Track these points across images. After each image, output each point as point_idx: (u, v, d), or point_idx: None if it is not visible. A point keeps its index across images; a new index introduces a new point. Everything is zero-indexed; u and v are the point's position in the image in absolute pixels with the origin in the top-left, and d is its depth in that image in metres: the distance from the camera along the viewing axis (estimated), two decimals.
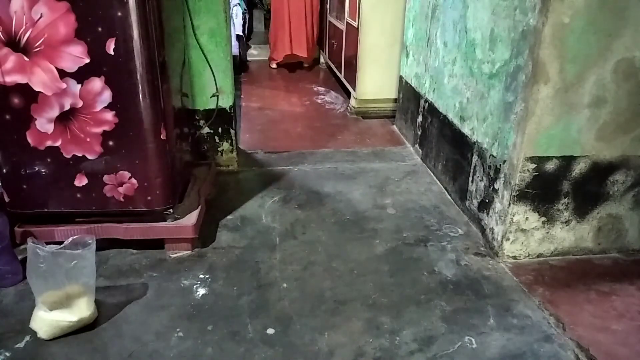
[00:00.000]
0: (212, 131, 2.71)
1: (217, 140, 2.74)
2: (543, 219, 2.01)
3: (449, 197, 2.59)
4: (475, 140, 2.27)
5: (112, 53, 1.69)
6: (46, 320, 1.55)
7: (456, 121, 2.49)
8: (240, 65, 5.00)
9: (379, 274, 1.95)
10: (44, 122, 1.76)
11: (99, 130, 1.79)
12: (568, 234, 2.05)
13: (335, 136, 3.43)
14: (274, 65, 5.27)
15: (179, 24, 2.30)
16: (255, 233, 2.20)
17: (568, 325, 1.70)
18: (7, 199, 1.87)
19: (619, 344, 1.64)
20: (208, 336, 1.61)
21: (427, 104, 2.93)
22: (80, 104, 1.74)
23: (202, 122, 2.66)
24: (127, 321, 1.66)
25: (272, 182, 2.71)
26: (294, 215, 2.36)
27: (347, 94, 4.13)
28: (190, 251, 2.04)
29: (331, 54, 4.85)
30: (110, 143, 1.82)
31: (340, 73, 4.38)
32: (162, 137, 1.89)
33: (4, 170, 1.83)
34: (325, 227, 2.28)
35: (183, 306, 1.74)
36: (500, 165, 2.04)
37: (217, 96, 2.58)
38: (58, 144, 1.80)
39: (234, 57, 3.23)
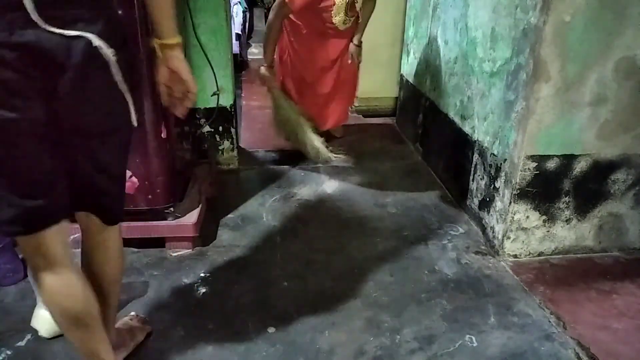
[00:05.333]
0: (212, 130, 2.71)
1: (218, 139, 2.74)
2: (544, 217, 2.01)
3: (449, 195, 2.58)
4: (476, 139, 2.27)
5: None
6: (47, 319, 1.55)
7: (457, 120, 2.49)
8: (240, 64, 4.99)
9: (379, 273, 1.95)
10: None
11: None
12: (569, 233, 2.05)
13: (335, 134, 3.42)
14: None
15: (179, 22, 2.30)
16: (256, 232, 2.20)
17: (569, 324, 1.70)
18: None
19: (619, 342, 1.64)
20: (209, 335, 1.61)
21: (427, 102, 2.93)
22: None
23: (202, 120, 2.66)
24: None
25: (272, 180, 2.70)
26: (295, 214, 2.35)
27: None
28: (191, 250, 2.04)
29: None
30: None
31: None
32: (163, 135, 1.89)
33: None
34: (326, 225, 2.28)
35: (184, 305, 1.74)
36: (501, 163, 2.04)
37: (218, 95, 2.58)
38: None
39: (234, 55, 3.23)
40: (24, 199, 1.03)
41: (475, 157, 2.27)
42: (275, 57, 2.86)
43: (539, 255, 2.08)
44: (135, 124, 1.14)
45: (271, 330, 1.64)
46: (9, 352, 1.51)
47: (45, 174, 1.05)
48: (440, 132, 2.73)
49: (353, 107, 3.83)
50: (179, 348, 1.55)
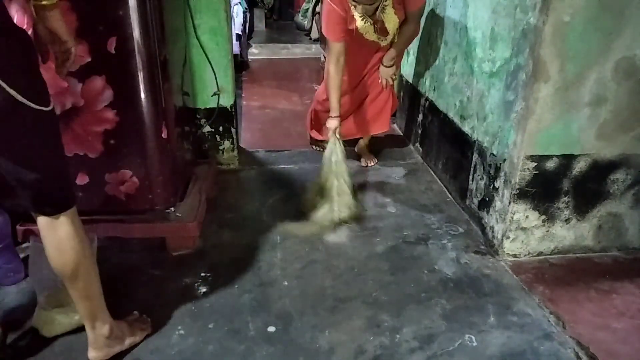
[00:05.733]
0: (213, 130, 2.72)
1: (218, 139, 2.75)
2: (543, 217, 2.01)
3: (449, 195, 2.59)
4: (475, 139, 2.27)
5: (114, 52, 1.69)
6: (48, 318, 1.55)
7: (456, 120, 2.49)
8: (240, 64, 4.99)
9: (379, 272, 1.96)
10: None
11: (100, 129, 1.80)
12: (568, 233, 2.06)
13: None
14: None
15: (179, 23, 2.31)
16: (256, 231, 2.21)
17: (568, 324, 1.71)
18: None
19: (619, 342, 1.64)
20: (209, 334, 1.62)
21: (427, 102, 2.93)
22: (81, 102, 1.75)
23: (203, 120, 2.67)
24: None
25: (273, 180, 2.71)
26: (295, 214, 2.36)
27: None
28: (191, 249, 2.05)
29: None
30: (112, 142, 1.82)
31: None
32: (164, 135, 1.89)
33: None
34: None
35: (184, 304, 1.74)
36: (500, 163, 2.04)
37: (218, 95, 2.59)
38: None
39: (234, 56, 3.23)
40: None
41: (475, 157, 2.27)
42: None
43: (538, 255, 2.08)
44: (35, 105, 1.10)
45: (271, 329, 1.65)
46: (9, 352, 1.52)
47: None
48: (440, 132, 2.73)
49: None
50: (179, 347, 1.56)
